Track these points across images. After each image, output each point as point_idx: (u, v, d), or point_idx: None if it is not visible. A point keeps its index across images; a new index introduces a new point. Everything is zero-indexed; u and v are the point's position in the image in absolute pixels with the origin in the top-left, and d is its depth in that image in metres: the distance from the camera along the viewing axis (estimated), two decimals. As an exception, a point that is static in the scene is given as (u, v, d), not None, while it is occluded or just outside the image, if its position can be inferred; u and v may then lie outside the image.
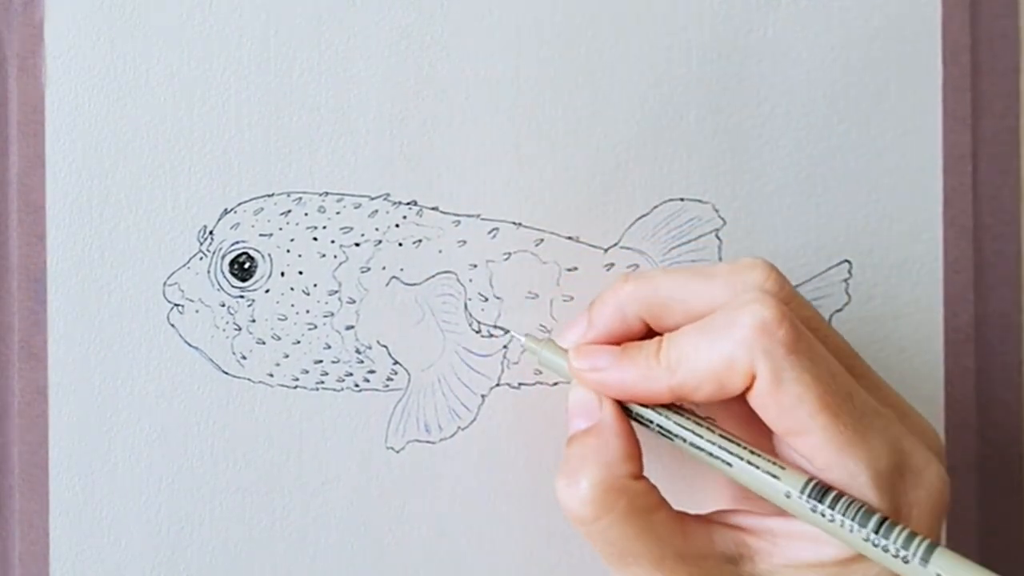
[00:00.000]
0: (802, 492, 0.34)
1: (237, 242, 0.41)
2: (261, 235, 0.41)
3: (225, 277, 0.41)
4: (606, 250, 0.42)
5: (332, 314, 0.41)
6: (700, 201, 0.42)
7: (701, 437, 0.36)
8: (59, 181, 0.40)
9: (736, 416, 0.38)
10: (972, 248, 0.43)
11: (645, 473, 0.37)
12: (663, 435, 0.37)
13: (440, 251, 0.41)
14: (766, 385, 0.34)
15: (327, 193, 0.41)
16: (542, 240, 0.42)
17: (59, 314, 0.40)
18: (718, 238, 0.42)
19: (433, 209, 0.41)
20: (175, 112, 0.40)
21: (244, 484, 0.41)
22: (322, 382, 0.41)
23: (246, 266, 0.41)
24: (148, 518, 0.41)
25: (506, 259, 0.42)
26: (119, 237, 0.40)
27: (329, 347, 0.41)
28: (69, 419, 0.40)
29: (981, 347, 0.44)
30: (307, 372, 0.41)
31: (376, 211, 0.41)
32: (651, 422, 0.37)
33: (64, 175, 0.40)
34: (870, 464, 0.34)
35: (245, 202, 0.41)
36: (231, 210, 0.41)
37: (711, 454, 0.36)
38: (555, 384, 0.42)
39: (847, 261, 0.43)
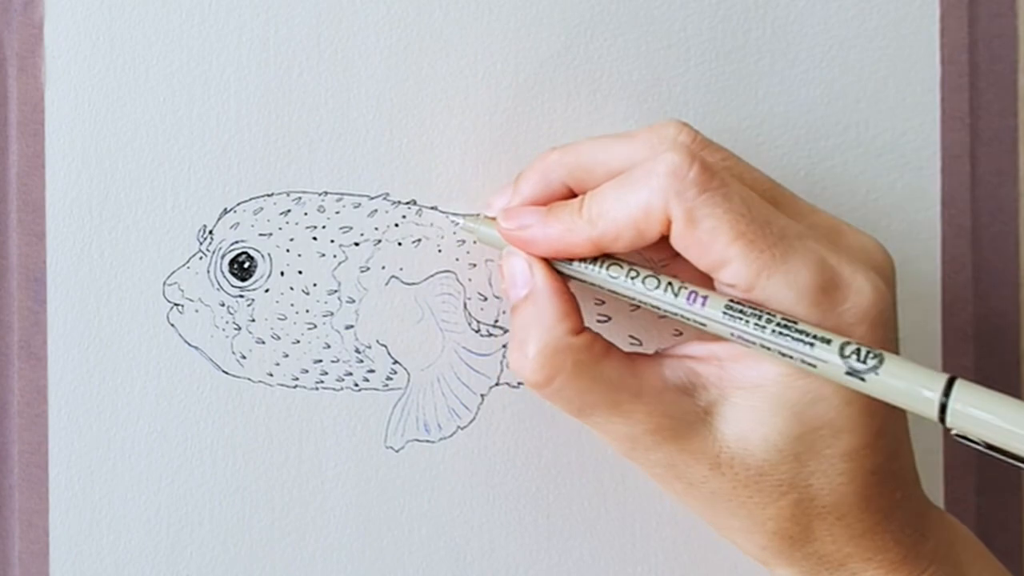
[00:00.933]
0: (723, 313, 0.35)
1: (237, 242, 0.41)
2: (261, 235, 0.41)
3: (225, 277, 0.41)
4: (605, 250, 0.42)
5: (332, 313, 0.41)
6: (699, 201, 0.42)
7: (633, 287, 0.36)
8: (59, 181, 0.40)
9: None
10: (971, 248, 0.43)
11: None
12: (604, 291, 0.37)
13: (439, 250, 0.41)
14: (681, 226, 0.35)
15: (326, 192, 0.41)
16: (541, 240, 0.42)
17: (59, 314, 0.40)
18: (717, 238, 0.42)
19: (432, 208, 0.41)
20: (175, 112, 0.41)
21: (244, 484, 0.41)
22: (321, 381, 0.41)
23: (246, 266, 0.41)
24: (148, 518, 0.41)
25: (505, 259, 0.42)
26: (119, 237, 0.40)
27: (329, 346, 0.41)
28: (69, 419, 0.40)
29: (980, 347, 0.44)
30: (307, 372, 0.41)
31: (375, 210, 0.41)
32: (592, 284, 0.37)
33: (64, 175, 0.40)
34: (790, 282, 0.34)
35: (245, 202, 0.41)
36: (231, 210, 0.41)
37: (643, 302, 0.36)
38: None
39: (846, 261, 0.43)
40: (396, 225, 0.41)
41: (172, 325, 0.41)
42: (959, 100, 0.43)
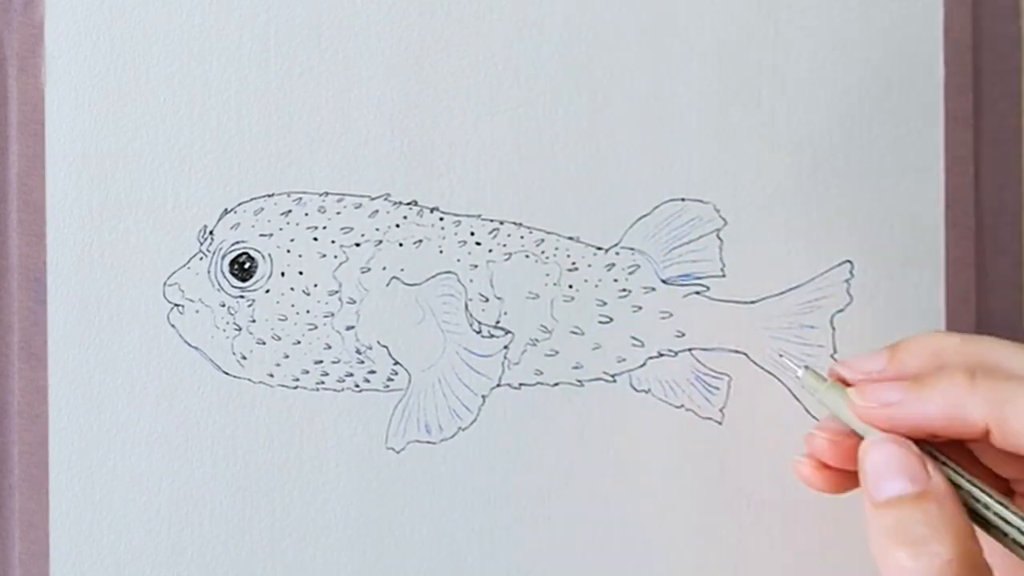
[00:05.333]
0: None
1: (237, 242, 0.41)
2: (261, 235, 0.41)
3: (225, 277, 0.41)
4: (607, 250, 0.42)
5: (332, 314, 0.41)
6: (701, 201, 0.42)
7: None
8: (59, 181, 0.40)
9: None
10: (974, 249, 0.43)
11: None
12: (987, 528, 0.33)
13: (440, 251, 0.41)
14: None
15: (327, 193, 0.41)
16: (542, 240, 0.42)
17: (59, 314, 0.40)
18: (719, 238, 0.42)
19: (433, 209, 0.41)
20: (175, 112, 0.40)
21: (244, 484, 0.41)
22: (322, 382, 0.41)
23: (246, 266, 0.41)
24: (148, 518, 0.41)
25: (506, 259, 0.42)
26: (119, 237, 0.40)
27: (329, 347, 0.41)
28: (69, 419, 0.40)
29: (983, 348, 0.44)
30: (307, 372, 0.41)
31: (376, 211, 0.41)
32: (995, 519, 0.33)
33: (64, 175, 0.40)
34: None
35: (245, 202, 0.41)
36: (231, 210, 0.41)
37: None
38: (556, 384, 0.42)
39: (849, 261, 0.43)
40: (397, 226, 0.41)
41: (172, 325, 0.41)
42: (962, 101, 0.43)
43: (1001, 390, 0.33)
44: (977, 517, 0.33)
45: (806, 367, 0.37)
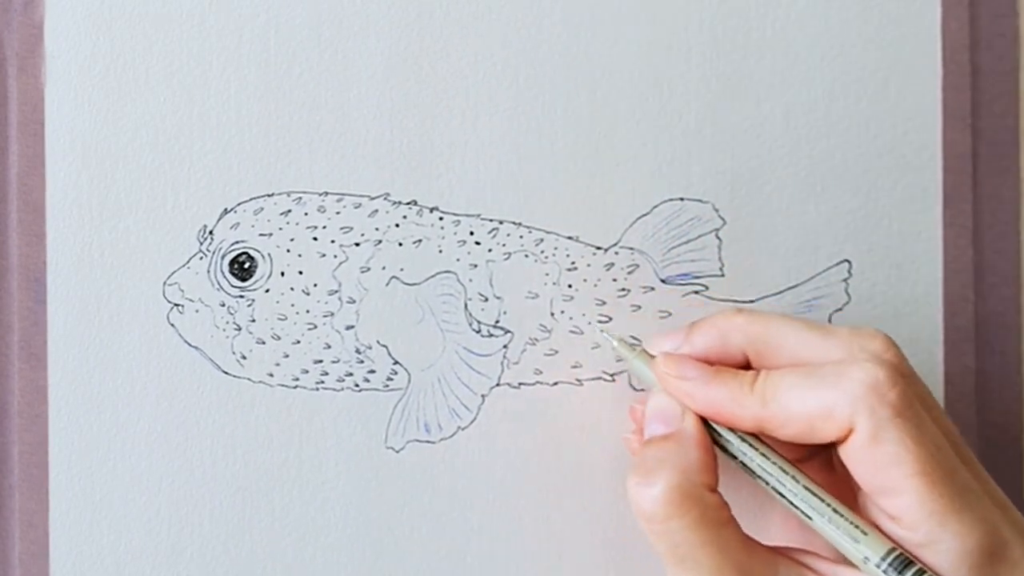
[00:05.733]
0: (883, 559, 0.34)
1: (237, 242, 0.41)
2: (261, 235, 0.41)
3: (225, 277, 0.41)
4: (606, 250, 0.42)
5: (332, 314, 0.41)
6: (700, 201, 0.42)
7: (784, 484, 0.36)
8: (59, 181, 0.40)
9: (815, 463, 0.39)
10: (972, 248, 0.43)
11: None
12: (743, 469, 0.37)
13: (440, 251, 0.41)
14: (863, 440, 0.34)
15: (327, 193, 0.41)
16: (542, 240, 0.42)
17: (59, 314, 0.40)
18: (718, 238, 0.42)
19: (433, 209, 0.41)
20: (175, 112, 0.40)
21: (244, 484, 0.41)
22: (322, 382, 0.41)
23: (246, 266, 0.41)
24: (148, 518, 0.41)
25: (506, 259, 0.42)
26: (119, 237, 0.40)
27: (329, 347, 0.41)
28: (69, 419, 0.40)
29: (981, 347, 0.44)
30: (307, 372, 0.41)
31: (376, 211, 0.41)
32: (734, 457, 0.37)
33: (64, 175, 0.40)
34: (960, 538, 0.34)
35: (245, 202, 0.41)
36: (231, 210, 0.41)
37: (792, 502, 0.36)
38: (555, 384, 0.42)
39: (847, 261, 0.43)
40: (397, 225, 0.41)
41: (172, 325, 0.41)
42: (960, 99, 0.43)
43: (769, 388, 0.36)
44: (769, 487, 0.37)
45: (620, 338, 0.40)
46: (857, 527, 0.35)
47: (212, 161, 0.41)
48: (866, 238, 0.43)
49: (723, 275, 0.42)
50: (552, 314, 0.42)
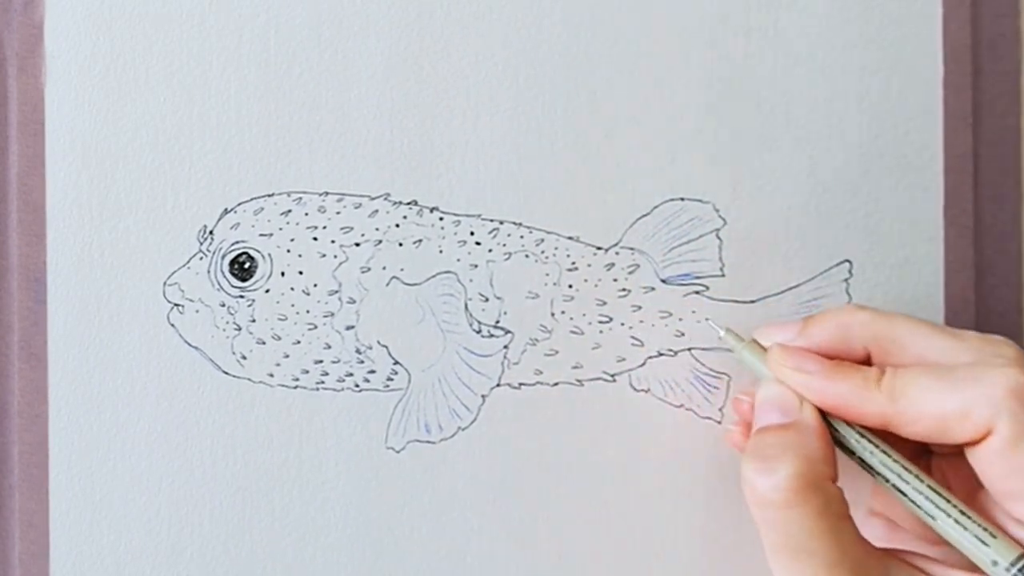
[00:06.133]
0: (1012, 564, 0.34)
1: (237, 242, 0.41)
2: (261, 235, 0.41)
3: (225, 277, 0.41)
4: (606, 250, 0.42)
5: (332, 314, 0.41)
6: (700, 201, 0.42)
7: (908, 483, 0.36)
8: (59, 181, 0.40)
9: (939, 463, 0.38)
10: (973, 248, 0.43)
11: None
12: (860, 465, 0.37)
13: (440, 251, 0.41)
14: (1003, 443, 0.34)
15: (327, 193, 0.41)
16: (542, 240, 0.42)
17: (59, 314, 0.40)
18: (718, 238, 0.42)
19: (433, 209, 0.41)
20: (175, 112, 0.40)
21: (244, 484, 0.41)
22: (322, 382, 0.41)
23: (246, 266, 0.41)
24: (148, 518, 0.41)
25: (506, 259, 0.42)
26: (119, 237, 0.40)
27: (329, 347, 0.41)
28: (69, 419, 0.40)
29: (982, 347, 0.44)
30: (307, 372, 0.41)
31: (376, 211, 0.41)
32: (852, 452, 0.37)
33: (64, 175, 0.40)
34: None
35: (245, 202, 0.41)
36: (231, 210, 0.41)
37: (915, 502, 0.36)
38: (555, 384, 0.42)
39: (848, 261, 0.43)
40: (397, 226, 0.41)
41: (172, 325, 0.41)
42: (962, 100, 0.43)
43: (899, 385, 0.36)
44: (878, 476, 0.37)
45: (727, 329, 0.40)
46: (986, 530, 0.35)
47: (212, 161, 0.41)
48: (867, 238, 0.43)
49: (723, 275, 0.42)
50: (552, 314, 0.42)
